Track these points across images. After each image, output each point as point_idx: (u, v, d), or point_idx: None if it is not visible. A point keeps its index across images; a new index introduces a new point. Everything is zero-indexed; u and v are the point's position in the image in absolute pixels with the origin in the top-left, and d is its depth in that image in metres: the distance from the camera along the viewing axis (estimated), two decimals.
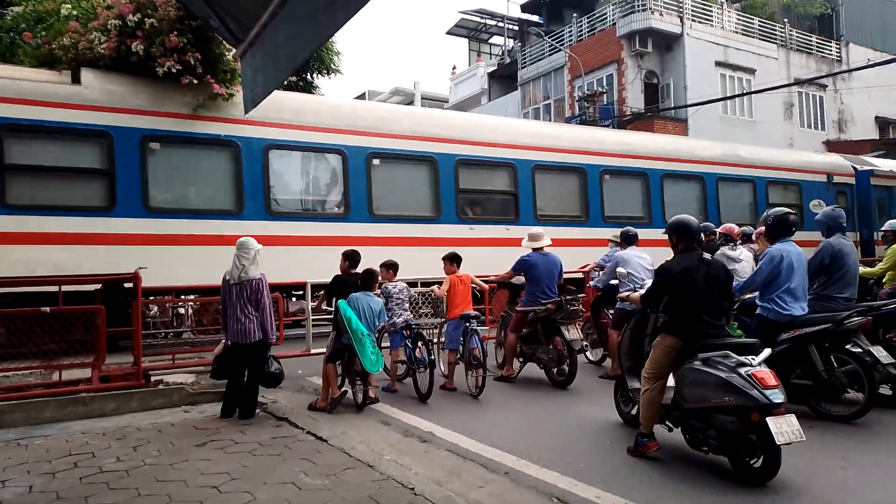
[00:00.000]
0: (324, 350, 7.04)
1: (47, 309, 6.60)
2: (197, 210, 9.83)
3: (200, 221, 9.74)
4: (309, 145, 10.72)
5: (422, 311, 10.26)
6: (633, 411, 5.35)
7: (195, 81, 9.31)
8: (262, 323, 6.16)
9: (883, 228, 8.01)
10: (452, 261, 7.58)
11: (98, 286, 8.50)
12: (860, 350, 5.54)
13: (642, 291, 5.28)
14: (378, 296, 6.99)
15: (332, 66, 17.70)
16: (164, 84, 9.43)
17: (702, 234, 6.79)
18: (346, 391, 6.52)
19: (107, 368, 6.99)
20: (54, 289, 7.16)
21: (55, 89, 9.03)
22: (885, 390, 5.95)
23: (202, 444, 5.30)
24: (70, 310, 6.87)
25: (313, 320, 8.96)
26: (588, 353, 8.74)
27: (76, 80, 9.29)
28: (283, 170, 10.70)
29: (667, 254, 5.10)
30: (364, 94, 38.46)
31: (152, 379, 7.17)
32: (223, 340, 6.34)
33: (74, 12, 10.03)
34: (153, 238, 9.33)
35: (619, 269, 6.75)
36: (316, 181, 11.18)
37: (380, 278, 7.18)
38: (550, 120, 24.55)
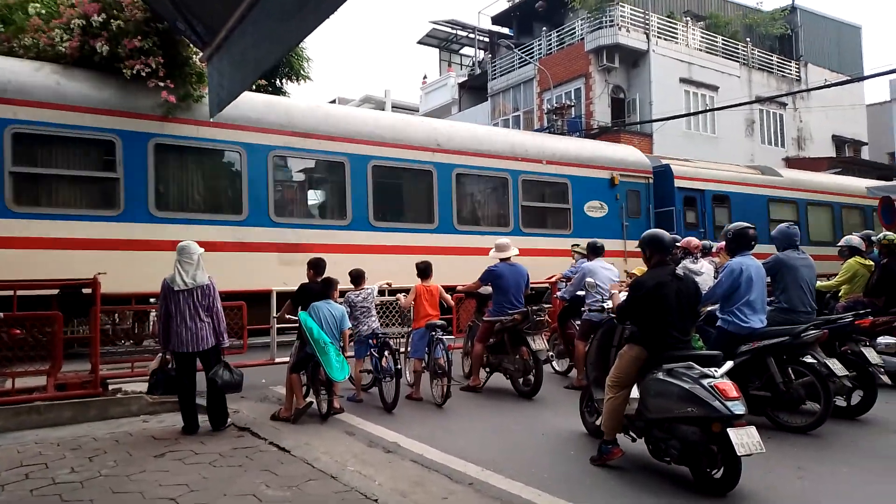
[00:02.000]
0: (288, 359, 6.95)
1: (1, 314, 6.40)
2: None
3: None
4: None
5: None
6: (598, 422, 5.37)
7: (160, 84, 9.18)
8: (216, 328, 6.01)
9: (839, 244, 8.23)
10: (419, 272, 7.60)
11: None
12: (816, 362, 5.68)
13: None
14: (340, 303, 6.95)
15: (301, 72, 17.53)
16: None
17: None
18: (311, 402, 6.43)
19: (63, 376, 6.78)
20: None
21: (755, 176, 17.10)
22: (840, 402, 6.10)
23: (160, 455, 5.17)
24: (25, 315, 6.67)
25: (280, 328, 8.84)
26: (554, 364, 8.80)
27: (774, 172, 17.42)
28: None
29: None
30: (334, 100, 38.20)
31: (110, 387, 6.98)
32: (159, 354, 6.10)
33: (42, 11, 9.79)
34: None
35: (588, 280, 6.81)
36: None
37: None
38: (520, 129, 24.68)
